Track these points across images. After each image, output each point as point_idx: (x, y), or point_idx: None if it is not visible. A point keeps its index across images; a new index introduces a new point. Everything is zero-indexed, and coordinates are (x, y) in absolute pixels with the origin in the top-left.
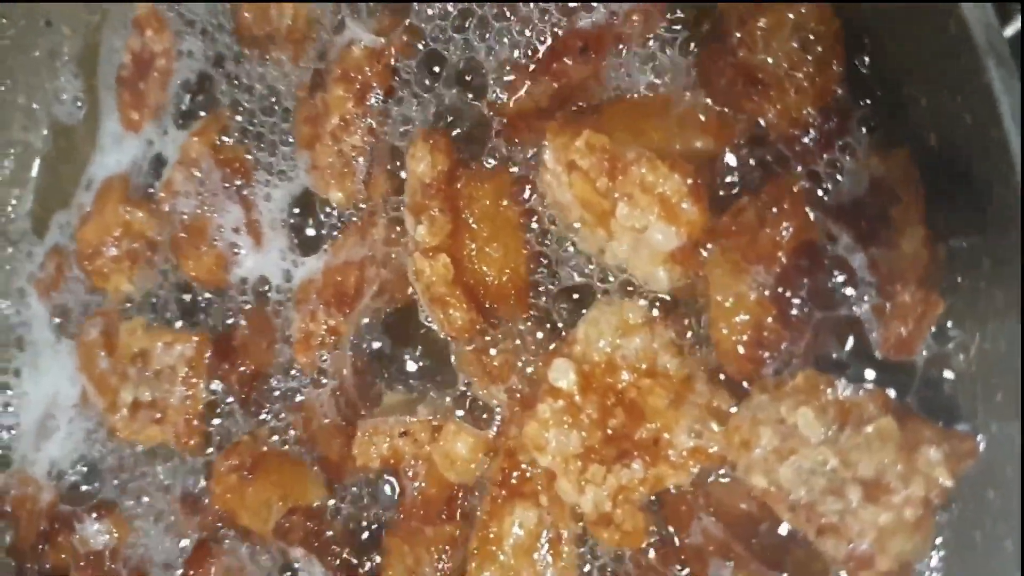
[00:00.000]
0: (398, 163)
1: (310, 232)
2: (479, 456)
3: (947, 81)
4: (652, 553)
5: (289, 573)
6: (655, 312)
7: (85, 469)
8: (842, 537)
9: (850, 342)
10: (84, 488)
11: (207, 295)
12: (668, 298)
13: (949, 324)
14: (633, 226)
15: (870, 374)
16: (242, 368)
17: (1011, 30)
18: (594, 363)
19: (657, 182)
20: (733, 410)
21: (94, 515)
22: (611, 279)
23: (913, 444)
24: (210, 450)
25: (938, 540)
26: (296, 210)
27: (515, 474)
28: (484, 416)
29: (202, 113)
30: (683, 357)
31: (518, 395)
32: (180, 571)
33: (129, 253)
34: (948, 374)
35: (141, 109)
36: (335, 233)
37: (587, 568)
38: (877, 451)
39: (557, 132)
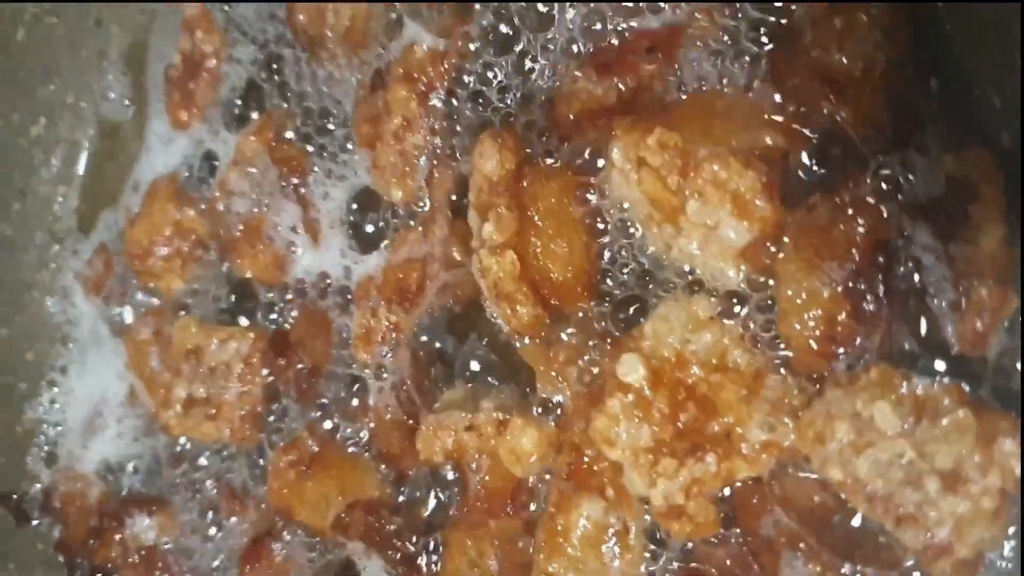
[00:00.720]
0: (460, 162)
1: (369, 230)
2: (544, 450)
3: (1017, 80)
4: (721, 545)
5: (346, 569)
6: (723, 308)
7: (135, 466)
8: (920, 527)
9: (923, 337)
10: (135, 485)
11: (263, 293)
12: (737, 295)
13: (1021, 319)
14: (704, 223)
15: (943, 368)
16: (300, 365)
17: None
18: (663, 358)
19: (730, 179)
20: (804, 405)
21: (145, 511)
22: (677, 278)
23: (989, 436)
24: (265, 447)
25: (1011, 530)
26: (355, 207)
27: (582, 468)
28: (547, 412)
29: (254, 115)
30: (753, 353)
31: (583, 391)
32: (235, 568)
33: (181, 252)
34: (1020, 367)
35: (191, 109)
36: (395, 232)
37: (658, 562)
38: (954, 443)
39: (627, 130)
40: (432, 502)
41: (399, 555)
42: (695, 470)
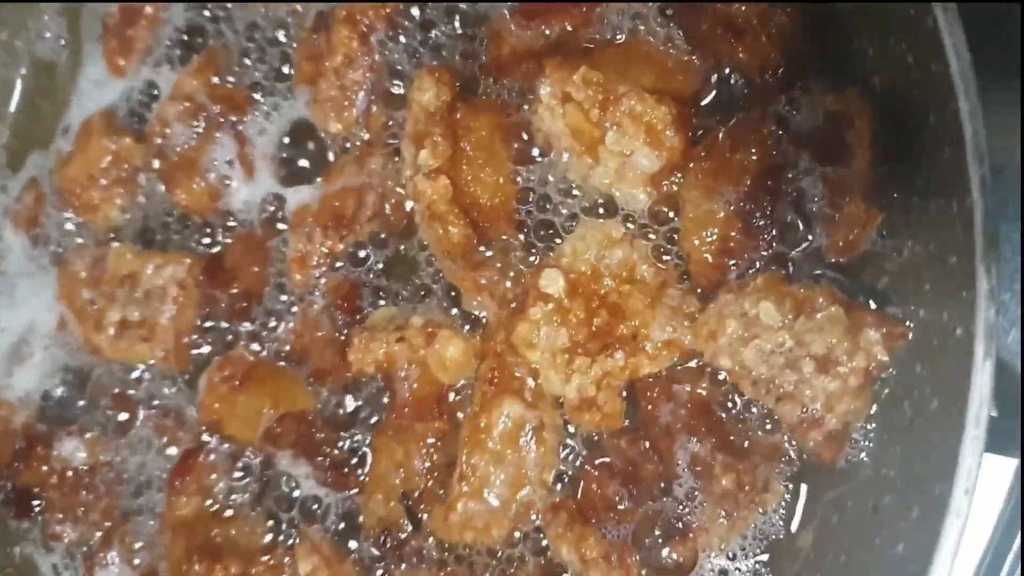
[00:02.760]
0: (394, 99)
1: (303, 164)
2: (469, 359)
3: (894, 29)
4: (623, 435)
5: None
6: (634, 229)
7: (63, 392)
8: (797, 402)
9: (802, 248)
10: (63, 410)
11: (198, 222)
12: (646, 217)
13: (884, 232)
14: (621, 151)
15: (818, 273)
16: (234, 289)
17: None
18: (580, 272)
19: (644, 112)
20: (700, 311)
21: (73, 435)
22: (592, 204)
23: (856, 327)
24: (196, 368)
25: (873, 408)
26: (289, 142)
27: (503, 373)
28: (472, 326)
29: (195, 56)
30: (658, 267)
31: (506, 306)
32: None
33: (117, 181)
34: (886, 269)
35: (128, 56)
36: (331, 163)
37: (566, 452)
38: (827, 333)
39: (555, 68)
40: (360, 411)
41: (328, 461)
42: (606, 364)
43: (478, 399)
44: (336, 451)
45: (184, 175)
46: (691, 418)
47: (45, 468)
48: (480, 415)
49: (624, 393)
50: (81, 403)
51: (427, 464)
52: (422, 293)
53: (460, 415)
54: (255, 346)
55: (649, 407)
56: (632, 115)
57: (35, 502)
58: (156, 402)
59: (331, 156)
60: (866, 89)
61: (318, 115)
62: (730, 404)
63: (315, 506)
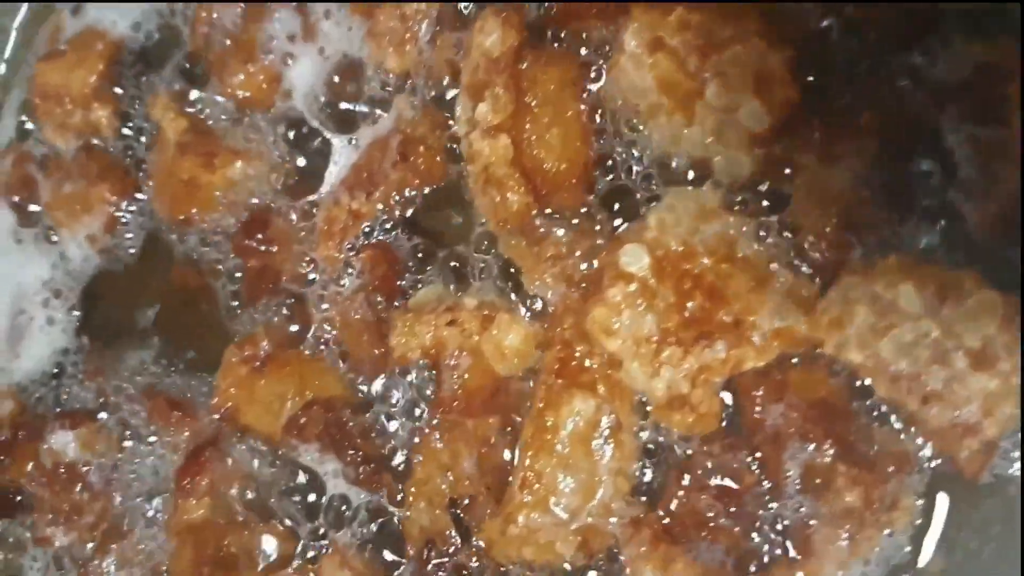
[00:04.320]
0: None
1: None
2: (530, 348)
3: None
4: (719, 440)
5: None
6: (733, 199)
7: (56, 373)
8: (948, 404)
9: (942, 225)
10: (54, 396)
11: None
12: (747, 185)
13: None
14: (724, 106)
15: (960, 256)
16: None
17: None
18: (669, 248)
19: (754, 59)
20: (816, 297)
21: (66, 425)
22: (681, 172)
23: (1010, 317)
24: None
25: None
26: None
27: (572, 364)
28: (533, 310)
29: None
30: (764, 244)
31: (575, 287)
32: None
33: None
34: None
35: None
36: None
37: (650, 458)
38: (982, 322)
39: (646, 10)
40: (401, 401)
41: (360, 456)
42: (703, 356)
43: (542, 394)
44: (370, 445)
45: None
46: (807, 421)
47: (34, 464)
48: (545, 412)
49: (722, 391)
50: (77, 391)
51: (479, 468)
52: (476, 271)
53: (518, 414)
54: (283, 324)
55: (755, 407)
56: (739, 63)
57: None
58: (163, 391)
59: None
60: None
61: (374, 49)
62: (855, 405)
63: (344, 508)
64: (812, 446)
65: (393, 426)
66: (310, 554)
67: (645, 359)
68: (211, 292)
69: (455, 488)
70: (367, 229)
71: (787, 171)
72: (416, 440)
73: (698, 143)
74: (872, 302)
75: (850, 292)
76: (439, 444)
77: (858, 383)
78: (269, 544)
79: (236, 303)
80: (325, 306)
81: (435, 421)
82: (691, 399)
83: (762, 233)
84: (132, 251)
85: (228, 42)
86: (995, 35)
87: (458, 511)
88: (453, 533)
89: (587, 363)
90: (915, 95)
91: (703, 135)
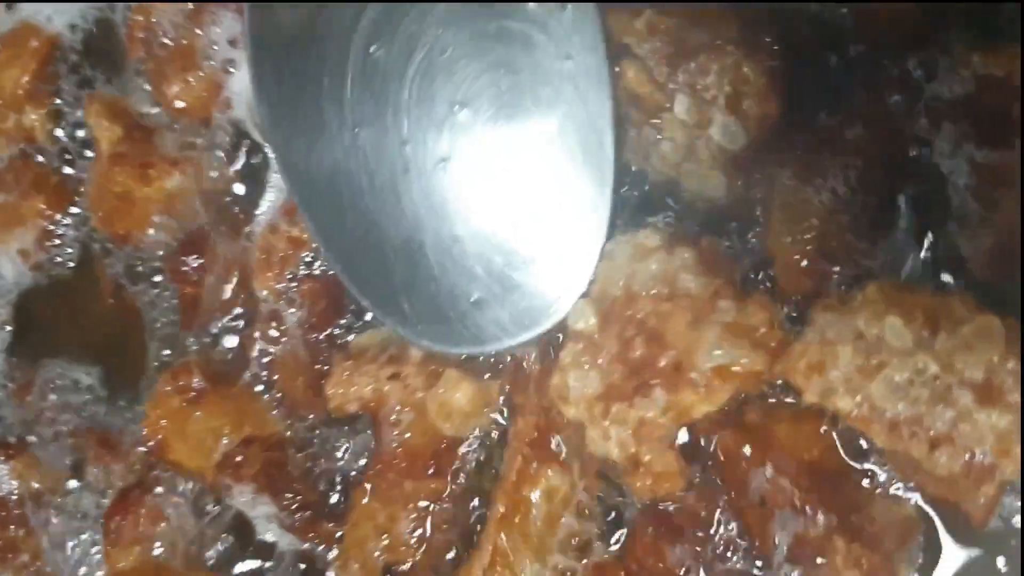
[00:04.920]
0: None
1: None
2: (480, 408)
3: None
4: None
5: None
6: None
7: None
8: (958, 447)
9: (928, 253)
10: None
11: None
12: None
13: None
14: (696, 122)
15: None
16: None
17: None
18: (613, 298)
19: (727, 71)
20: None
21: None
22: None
23: (1015, 340)
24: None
25: None
26: None
27: (548, 434)
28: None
29: None
30: (710, 276)
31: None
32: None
33: None
34: None
35: None
36: None
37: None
38: (982, 350)
39: (611, 12)
40: (341, 451)
41: (296, 503)
42: (642, 408)
43: (516, 465)
44: (310, 490)
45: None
46: (798, 487)
47: None
48: (521, 487)
49: (680, 442)
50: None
51: (419, 532)
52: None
53: (464, 479)
54: (219, 356)
55: (735, 467)
56: (710, 75)
57: None
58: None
59: None
60: None
61: None
62: (851, 463)
63: (275, 557)
64: (803, 517)
65: (335, 474)
66: None
67: (596, 421)
68: (145, 316)
69: (391, 552)
70: (308, 258)
71: (759, 194)
72: (352, 497)
73: (668, 160)
74: (855, 340)
75: (828, 331)
76: (375, 503)
77: (854, 438)
78: None
79: (170, 330)
80: (262, 342)
81: (371, 478)
82: (641, 458)
83: (710, 264)
84: (70, 266)
85: (167, 47)
86: (1002, 45)
87: None
88: None
89: (555, 439)
90: (909, 112)
91: (673, 152)
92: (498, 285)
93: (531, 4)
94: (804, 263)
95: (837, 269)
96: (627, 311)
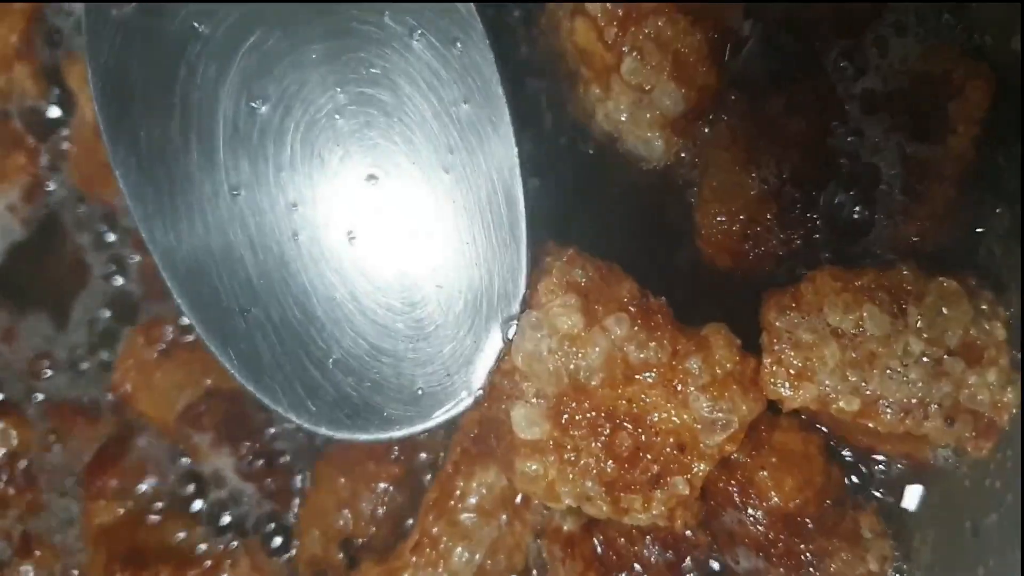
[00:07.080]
0: None
1: None
2: None
3: None
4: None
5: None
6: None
7: None
8: (968, 412)
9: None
10: None
11: None
12: None
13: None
14: (640, 84)
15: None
16: None
17: None
18: (557, 394)
19: (675, 37)
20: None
21: None
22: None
23: (969, 296)
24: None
25: None
26: None
27: (488, 436)
28: None
29: None
30: (651, 331)
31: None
32: None
33: None
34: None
35: None
36: None
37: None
38: (955, 315)
39: None
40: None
41: (253, 449)
42: (668, 492)
43: (456, 456)
44: (264, 443)
45: None
46: (766, 535)
47: None
48: (455, 477)
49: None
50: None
51: (379, 511)
52: None
53: (424, 469)
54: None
55: (713, 502)
56: (658, 39)
57: None
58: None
59: None
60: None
61: None
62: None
63: (241, 506)
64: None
65: (295, 442)
66: (219, 547)
67: (608, 504)
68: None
69: (353, 526)
70: None
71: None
72: (317, 466)
73: (614, 119)
74: (832, 336)
75: (799, 333)
76: (340, 477)
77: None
78: (186, 539)
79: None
80: None
81: (338, 452)
82: (675, 519)
83: (649, 334)
84: (49, 225)
85: None
86: (939, 42)
87: (351, 554)
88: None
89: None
90: (850, 102)
91: (618, 111)
92: (402, 362)
93: (416, 44)
94: (725, 242)
95: (757, 251)
96: (585, 403)
